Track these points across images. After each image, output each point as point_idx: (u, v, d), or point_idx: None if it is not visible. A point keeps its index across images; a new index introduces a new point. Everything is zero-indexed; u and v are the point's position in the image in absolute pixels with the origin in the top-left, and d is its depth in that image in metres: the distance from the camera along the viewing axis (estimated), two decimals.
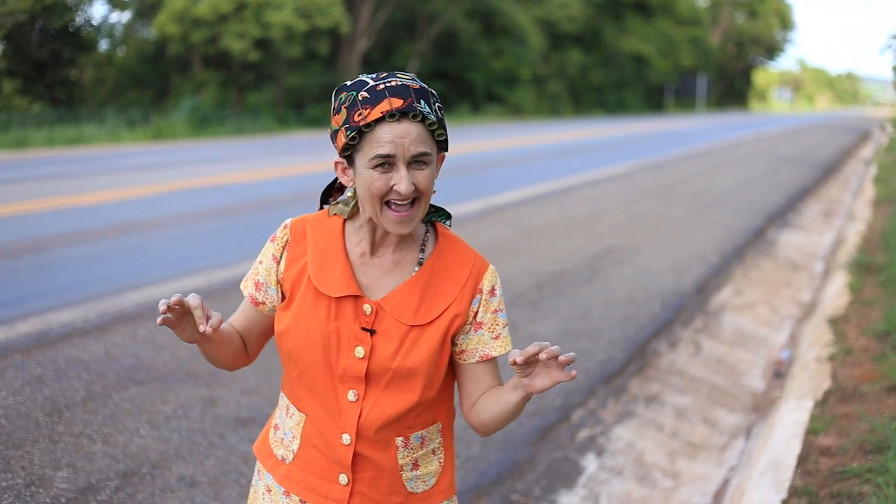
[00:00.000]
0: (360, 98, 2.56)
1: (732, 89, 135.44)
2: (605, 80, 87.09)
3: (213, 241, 13.46)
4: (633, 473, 6.29)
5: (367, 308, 2.69)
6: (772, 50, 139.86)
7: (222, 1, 43.33)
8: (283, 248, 2.78)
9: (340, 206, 2.80)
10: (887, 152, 34.21)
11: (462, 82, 66.58)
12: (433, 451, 2.87)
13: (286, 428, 2.83)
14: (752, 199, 20.34)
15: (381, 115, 2.52)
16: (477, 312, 2.80)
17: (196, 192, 19.10)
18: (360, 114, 2.54)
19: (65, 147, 32.56)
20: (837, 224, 18.35)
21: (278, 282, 2.79)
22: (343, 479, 2.75)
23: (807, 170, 28.08)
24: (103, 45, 50.55)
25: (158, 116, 41.22)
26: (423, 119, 2.56)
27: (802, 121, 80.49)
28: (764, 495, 5.38)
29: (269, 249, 2.80)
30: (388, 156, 2.53)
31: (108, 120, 38.76)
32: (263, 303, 2.82)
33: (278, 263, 2.78)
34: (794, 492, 5.29)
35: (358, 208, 2.77)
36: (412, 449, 2.81)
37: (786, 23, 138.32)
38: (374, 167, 2.55)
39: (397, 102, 2.53)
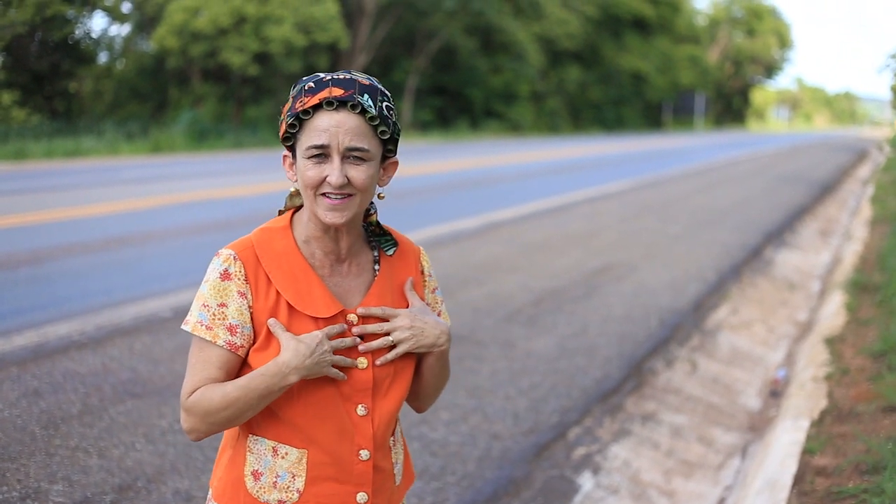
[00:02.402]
0: (306, 87, 2.57)
1: (730, 107, 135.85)
2: (604, 97, 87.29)
3: (211, 254, 13.42)
4: (629, 492, 6.28)
5: (352, 318, 2.68)
6: (770, 68, 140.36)
7: (222, 15, 43.43)
8: (244, 280, 2.62)
9: (295, 199, 2.77)
10: (885, 172, 34.24)
11: (461, 98, 66.76)
12: (400, 441, 2.92)
13: (279, 470, 2.66)
14: (750, 217, 20.36)
15: (318, 101, 2.52)
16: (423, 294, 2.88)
17: (195, 206, 19.12)
18: (302, 101, 2.55)
19: (63, 159, 32.60)
20: (834, 243, 18.35)
21: (251, 318, 2.63)
22: (362, 497, 2.71)
23: (804, 188, 28.11)
24: (102, 57, 50.73)
25: (157, 129, 41.29)
26: (364, 112, 2.54)
27: (800, 139, 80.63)
28: None
29: (230, 288, 2.61)
30: (322, 146, 2.52)
31: (107, 132, 38.84)
32: (242, 346, 2.62)
33: (246, 298, 2.61)
34: None
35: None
36: (395, 444, 2.85)
37: (784, 42, 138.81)
38: (310, 157, 2.55)
39: (337, 91, 2.52)
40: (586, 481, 6.26)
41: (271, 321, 2.59)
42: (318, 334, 2.57)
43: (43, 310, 9.85)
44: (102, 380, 7.47)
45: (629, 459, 6.76)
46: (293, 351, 2.53)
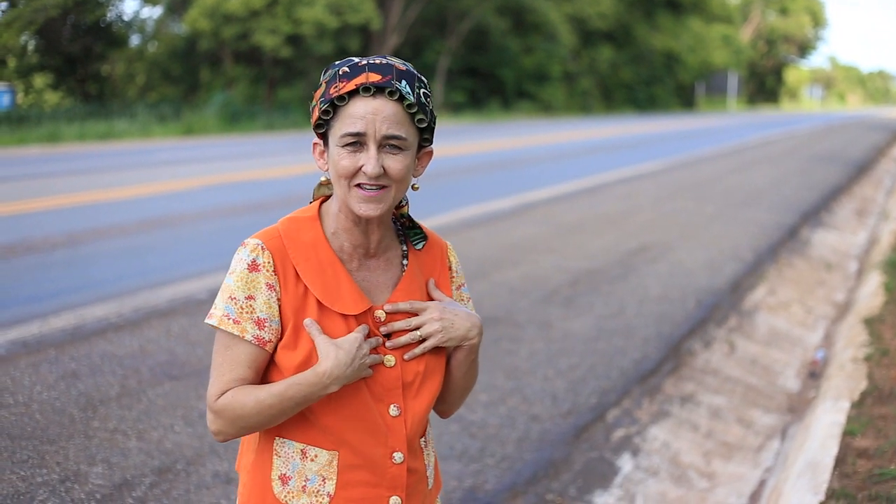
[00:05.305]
0: (340, 72, 2.47)
1: (763, 87, 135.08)
2: (636, 78, 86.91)
3: (245, 236, 13.38)
4: (669, 474, 6.25)
5: (380, 315, 2.60)
6: (803, 48, 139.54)
7: None
8: (273, 272, 2.52)
9: (323, 188, 2.70)
10: None
11: (492, 79, 66.63)
12: (431, 443, 2.83)
13: (308, 473, 2.57)
14: (786, 196, 20.24)
15: (354, 87, 2.42)
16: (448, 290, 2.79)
17: (228, 188, 19.15)
18: (336, 87, 2.45)
19: (96, 142, 32.71)
20: (871, 223, 18.24)
21: (280, 311, 2.53)
22: (395, 500, 2.61)
23: (839, 168, 27.92)
24: (135, 40, 50.89)
25: (189, 112, 41.40)
26: (402, 99, 2.45)
27: (834, 119, 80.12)
28: (801, 497, 5.34)
29: (258, 280, 2.52)
30: (357, 133, 2.42)
31: (139, 115, 38.95)
32: (270, 340, 2.52)
33: (274, 290, 2.52)
34: (831, 494, 5.23)
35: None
36: (427, 445, 2.78)
37: (818, 20, 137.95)
38: (344, 145, 2.45)
39: (374, 77, 2.43)
40: (626, 463, 6.24)
41: (307, 321, 2.50)
42: (356, 338, 2.48)
43: (79, 292, 9.88)
44: (140, 362, 7.49)
45: (668, 441, 6.73)
46: (334, 360, 2.44)
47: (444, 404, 2.84)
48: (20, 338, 7.99)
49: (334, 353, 2.44)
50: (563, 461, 6.12)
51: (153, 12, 52.50)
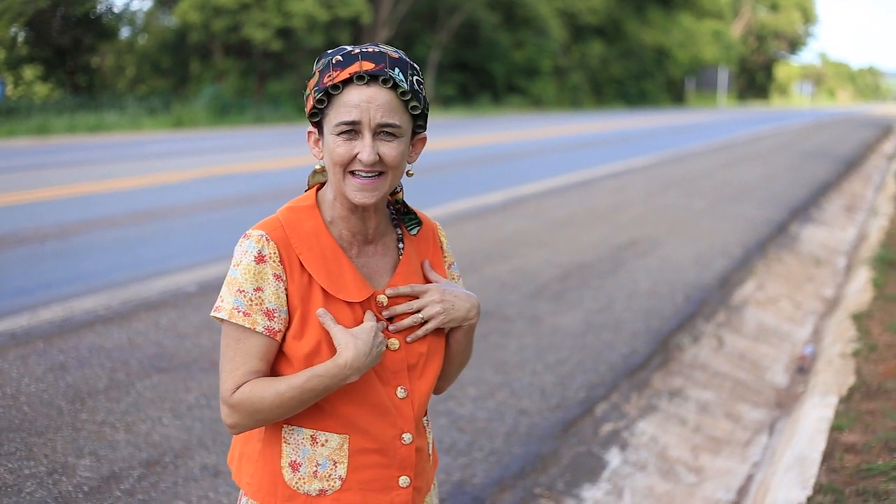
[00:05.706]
0: (333, 61, 2.49)
1: (754, 83, 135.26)
2: (626, 73, 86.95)
3: (235, 228, 13.43)
4: (657, 468, 6.26)
5: (382, 300, 2.62)
6: (794, 44, 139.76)
7: None
8: (279, 262, 2.52)
9: (318, 176, 2.71)
10: None
11: (483, 73, 66.61)
12: (430, 421, 2.88)
13: (319, 458, 2.59)
14: (775, 192, 20.26)
15: (348, 76, 2.44)
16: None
17: (217, 180, 19.14)
18: (330, 75, 2.47)
19: (86, 134, 32.66)
20: (860, 219, 18.26)
21: (287, 301, 2.53)
22: (405, 480, 2.66)
23: (829, 164, 27.95)
24: (124, 32, 50.81)
25: (179, 104, 41.31)
26: (395, 87, 2.47)
27: (824, 115, 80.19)
28: (789, 491, 5.35)
29: (265, 271, 2.51)
30: (352, 122, 2.44)
31: (129, 107, 38.90)
32: (280, 331, 2.52)
33: (282, 281, 2.52)
34: (819, 488, 5.24)
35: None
36: (428, 423, 2.83)
37: (808, 16, 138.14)
38: (339, 133, 2.46)
39: (368, 65, 2.44)
40: (614, 457, 6.24)
41: (321, 311, 2.51)
42: (372, 327, 2.51)
43: (69, 284, 9.86)
44: (129, 354, 7.48)
45: (656, 435, 6.73)
46: (354, 351, 2.45)
47: (441, 381, 2.88)
48: (8, 329, 7.98)
49: (353, 343, 2.46)
50: (552, 455, 6.12)
51: (143, 4, 52.72)
